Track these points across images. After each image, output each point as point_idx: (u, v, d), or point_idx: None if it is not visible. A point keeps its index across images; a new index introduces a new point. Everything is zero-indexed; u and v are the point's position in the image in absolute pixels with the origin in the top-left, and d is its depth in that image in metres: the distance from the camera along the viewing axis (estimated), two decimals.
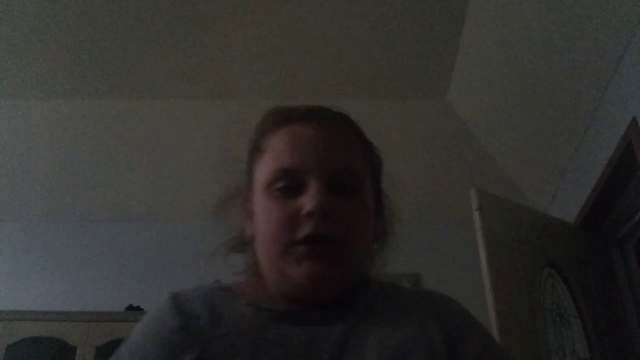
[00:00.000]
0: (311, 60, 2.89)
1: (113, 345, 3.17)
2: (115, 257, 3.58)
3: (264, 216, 0.74)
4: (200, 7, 2.60)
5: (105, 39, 2.76)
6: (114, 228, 3.69)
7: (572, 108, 2.54)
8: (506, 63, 2.66)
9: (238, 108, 3.18)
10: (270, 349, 0.66)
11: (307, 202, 0.69)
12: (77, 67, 2.91)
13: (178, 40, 2.77)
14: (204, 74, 2.97)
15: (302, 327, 0.69)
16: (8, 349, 2.95)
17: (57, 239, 3.66)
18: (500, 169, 3.24)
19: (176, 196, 3.62)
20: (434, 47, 2.80)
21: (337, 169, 0.73)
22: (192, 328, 0.68)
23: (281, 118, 0.79)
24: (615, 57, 2.17)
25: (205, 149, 3.39)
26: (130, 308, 3.22)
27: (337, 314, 0.71)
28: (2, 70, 2.92)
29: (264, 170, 0.75)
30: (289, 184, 0.72)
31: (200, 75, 2.98)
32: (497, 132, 3.09)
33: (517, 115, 2.86)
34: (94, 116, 3.21)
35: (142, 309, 3.19)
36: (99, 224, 3.70)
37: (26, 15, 2.63)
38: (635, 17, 2.00)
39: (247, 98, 3.12)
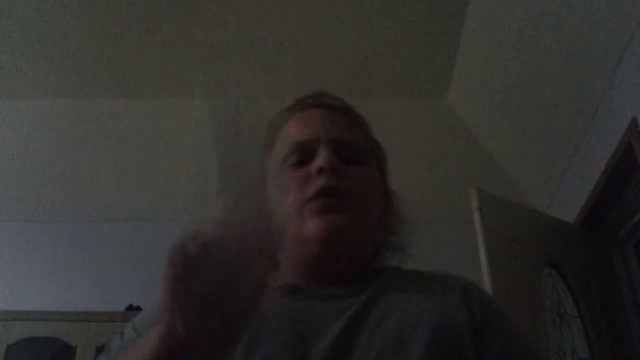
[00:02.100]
0: (311, 60, 2.89)
1: None
2: (115, 257, 3.58)
3: (279, 189, 0.77)
4: (200, 7, 2.60)
5: (105, 39, 2.76)
6: (114, 228, 3.69)
7: (572, 108, 2.54)
8: (506, 63, 2.66)
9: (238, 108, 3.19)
10: (277, 325, 0.66)
11: (317, 161, 0.75)
12: (77, 66, 2.91)
13: (178, 40, 2.77)
14: (204, 74, 2.97)
15: (315, 301, 0.69)
16: (8, 349, 2.95)
17: (57, 239, 3.66)
18: (500, 169, 3.24)
19: (176, 196, 3.62)
20: (434, 47, 2.80)
21: (343, 138, 0.79)
22: None
23: (288, 111, 0.84)
24: (615, 57, 2.17)
25: (205, 149, 3.39)
26: (130, 308, 3.22)
27: (352, 290, 0.71)
28: (1, 70, 2.91)
29: (276, 155, 0.80)
30: (300, 157, 0.77)
31: (200, 75, 2.98)
32: (497, 132, 3.09)
33: (517, 115, 2.86)
34: (93, 116, 3.21)
35: (142, 309, 3.19)
36: (98, 224, 3.70)
37: (25, 14, 2.62)
38: (635, 18, 2.00)
39: (247, 98, 3.12)
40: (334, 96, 0.85)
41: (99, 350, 2.95)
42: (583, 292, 2.32)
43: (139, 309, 3.20)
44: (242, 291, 0.48)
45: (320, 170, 0.74)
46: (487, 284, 1.97)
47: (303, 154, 0.77)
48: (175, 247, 0.48)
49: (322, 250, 0.72)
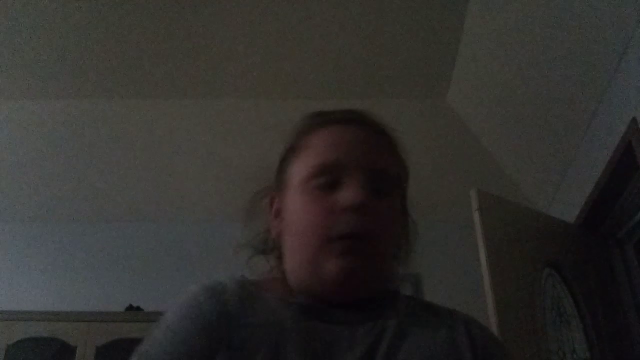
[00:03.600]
0: (311, 60, 2.89)
1: (113, 345, 3.16)
2: (115, 257, 3.59)
3: (299, 211, 0.74)
4: (200, 7, 2.60)
5: (105, 39, 2.76)
6: (114, 228, 3.69)
7: (572, 108, 2.54)
8: (506, 63, 2.66)
9: (238, 108, 3.19)
10: (296, 341, 0.66)
11: (347, 196, 0.71)
12: (76, 67, 2.91)
13: (178, 40, 2.76)
14: (204, 74, 2.97)
15: (330, 324, 0.69)
16: (8, 349, 2.95)
17: (57, 239, 3.66)
18: (500, 169, 3.24)
19: (176, 196, 3.62)
20: (434, 47, 2.80)
21: (375, 169, 0.75)
22: (228, 314, 0.68)
23: (321, 120, 0.80)
24: (615, 57, 2.17)
25: (204, 149, 3.39)
26: (130, 308, 3.22)
27: (363, 315, 0.71)
28: (1, 70, 2.92)
29: (300, 168, 0.76)
30: (327, 180, 0.73)
31: (200, 75, 2.98)
32: (497, 132, 3.09)
33: (517, 115, 2.86)
34: (93, 116, 3.21)
35: (142, 309, 3.19)
36: (98, 224, 3.71)
37: (25, 14, 2.62)
38: (635, 17, 2.00)
39: (247, 98, 3.12)
40: (370, 114, 0.82)
41: (99, 350, 2.95)
42: (583, 292, 2.32)
43: (139, 309, 3.20)
44: None
45: (348, 209, 0.70)
46: (487, 284, 1.97)
47: (329, 177, 0.73)
48: None
49: (337, 290, 0.71)
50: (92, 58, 2.86)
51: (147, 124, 3.26)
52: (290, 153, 0.80)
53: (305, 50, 2.84)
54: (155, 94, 3.10)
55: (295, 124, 0.83)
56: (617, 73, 2.20)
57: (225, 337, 0.66)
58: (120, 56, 2.86)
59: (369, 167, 0.74)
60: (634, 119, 2.06)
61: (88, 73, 2.95)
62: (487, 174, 3.17)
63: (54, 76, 2.97)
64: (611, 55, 2.18)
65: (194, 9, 2.61)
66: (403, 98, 3.08)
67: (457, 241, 3.22)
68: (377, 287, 0.75)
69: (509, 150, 3.14)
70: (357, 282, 0.71)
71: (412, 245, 0.84)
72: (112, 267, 3.53)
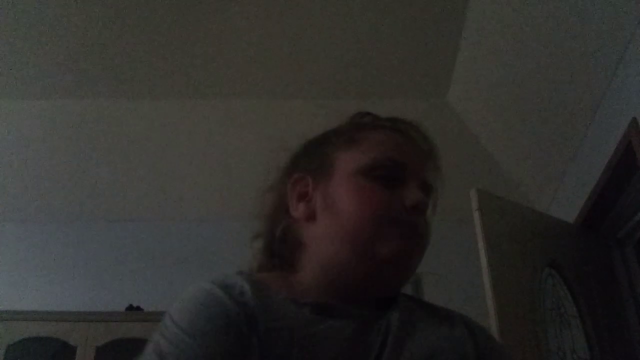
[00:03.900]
0: (311, 60, 2.89)
1: (113, 345, 3.16)
2: (115, 257, 3.58)
3: (356, 196, 0.75)
4: (200, 7, 2.60)
5: (106, 39, 2.76)
6: (114, 228, 3.69)
7: (572, 108, 2.54)
8: (506, 63, 2.66)
9: (238, 108, 3.19)
10: (323, 343, 0.65)
11: (415, 195, 0.75)
12: (77, 66, 2.91)
13: (178, 40, 2.77)
14: (204, 74, 2.97)
15: (344, 321, 0.69)
16: (8, 349, 2.95)
17: (57, 239, 3.66)
18: (500, 168, 3.24)
19: (176, 196, 3.62)
20: (434, 47, 2.80)
21: (430, 183, 0.81)
22: (248, 314, 0.66)
23: (384, 119, 0.84)
24: (615, 57, 2.17)
25: (204, 149, 3.39)
26: (130, 308, 3.22)
27: (377, 312, 0.72)
28: (2, 69, 2.91)
29: (359, 157, 0.77)
30: (390, 174, 0.76)
31: (201, 75, 2.98)
32: (497, 132, 3.09)
33: (517, 115, 2.86)
34: (93, 116, 3.21)
35: (142, 309, 3.19)
36: (99, 224, 3.70)
37: (26, 14, 2.62)
38: (635, 17, 1.99)
39: (247, 98, 3.12)
40: (429, 135, 0.86)
41: (99, 350, 2.95)
42: (583, 292, 2.32)
43: (139, 309, 3.20)
44: None
45: (413, 207, 0.74)
46: (487, 284, 1.97)
47: (393, 172, 0.76)
48: None
49: (386, 272, 0.73)
50: (92, 58, 2.86)
51: (146, 124, 3.26)
52: (339, 140, 0.80)
53: (305, 51, 2.84)
54: (156, 94, 3.10)
55: (348, 116, 0.86)
56: (617, 73, 2.20)
57: (253, 336, 0.64)
58: (120, 56, 2.86)
59: (427, 179, 0.80)
60: (634, 119, 2.06)
61: (88, 73, 2.95)
62: (487, 174, 3.17)
63: (53, 76, 2.97)
64: (611, 55, 2.18)
65: (195, 9, 2.61)
66: (403, 98, 3.07)
67: (457, 241, 3.22)
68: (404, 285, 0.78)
69: (509, 150, 3.14)
70: (407, 268, 0.74)
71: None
72: (112, 267, 3.52)
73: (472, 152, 3.22)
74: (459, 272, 3.09)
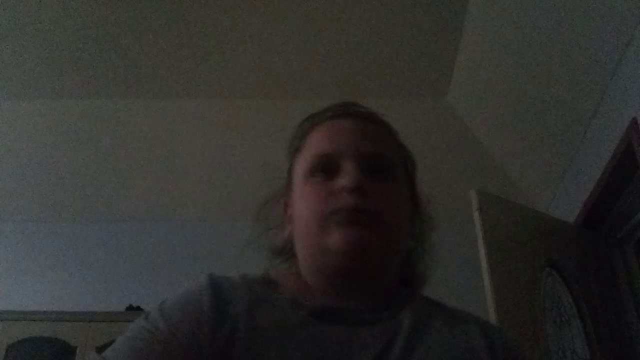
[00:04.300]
0: (311, 60, 2.89)
1: None
2: (115, 257, 3.59)
3: (303, 201, 0.76)
4: (200, 7, 2.60)
5: (106, 39, 2.76)
6: (114, 228, 3.69)
7: (572, 108, 2.54)
8: (506, 63, 2.66)
9: (238, 108, 3.19)
10: (304, 346, 0.66)
11: (342, 179, 0.73)
12: (77, 66, 2.91)
13: (179, 40, 2.77)
14: (205, 74, 2.97)
15: (341, 326, 0.69)
16: (8, 349, 2.95)
17: (57, 239, 3.66)
18: (500, 169, 3.24)
19: (176, 196, 3.62)
20: (434, 47, 2.80)
21: (370, 152, 0.76)
22: (227, 312, 0.68)
23: (317, 118, 0.82)
24: (615, 57, 2.17)
25: (205, 149, 3.39)
26: (130, 308, 3.22)
27: (378, 315, 0.71)
28: (2, 70, 2.92)
29: (301, 165, 0.79)
30: (326, 168, 0.75)
31: (201, 76, 2.98)
32: (497, 132, 3.09)
33: (517, 115, 2.86)
34: (94, 116, 3.22)
35: (142, 309, 3.19)
36: (99, 224, 3.71)
37: (27, 14, 2.62)
38: (635, 17, 1.99)
39: (247, 98, 3.12)
40: (363, 106, 0.83)
41: (99, 350, 2.94)
42: (583, 292, 2.32)
43: (139, 309, 3.20)
44: None
45: (345, 189, 0.72)
46: (487, 284, 1.97)
47: (328, 167, 0.75)
48: None
49: (345, 263, 0.71)
50: (92, 58, 2.86)
51: (147, 124, 3.26)
52: (293, 155, 0.83)
53: (306, 51, 2.84)
54: (156, 94, 3.10)
55: (294, 129, 0.85)
56: (617, 73, 2.20)
57: (220, 332, 0.65)
58: (121, 56, 2.86)
59: (364, 150, 0.76)
60: (634, 119, 2.06)
61: (89, 73, 2.95)
62: (487, 174, 3.17)
63: (55, 76, 2.97)
64: (611, 55, 2.18)
65: (195, 9, 2.61)
66: (403, 98, 3.08)
67: (457, 241, 3.22)
68: (389, 270, 0.76)
69: (509, 150, 3.14)
70: (362, 253, 0.71)
71: (427, 239, 0.85)
72: (112, 267, 3.53)
73: (472, 152, 3.22)
74: (459, 272, 3.09)
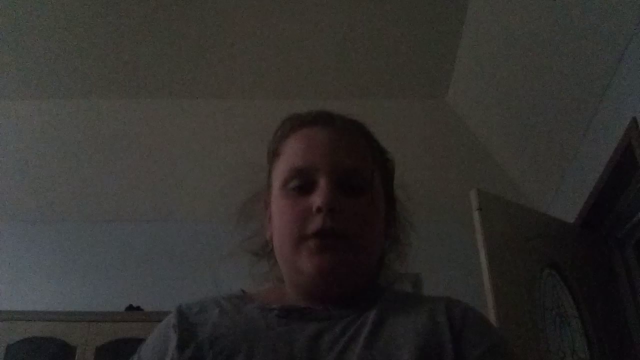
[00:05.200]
0: (311, 60, 2.89)
1: (113, 345, 3.16)
2: (115, 257, 3.58)
3: (278, 214, 0.77)
4: (201, 7, 2.60)
5: (106, 39, 2.76)
6: (114, 228, 3.69)
7: (572, 108, 2.54)
8: (506, 63, 2.66)
9: (238, 108, 3.19)
10: (273, 344, 0.68)
11: (317, 198, 0.73)
12: (77, 66, 2.91)
13: (179, 40, 2.76)
14: (205, 74, 2.97)
15: (309, 323, 0.71)
16: (8, 349, 2.95)
17: (57, 239, 3.66)
18: (500, 169, 3.24)
19: (176, 196, 3.62)
20: (434, 47, 2.80)
21: (346, 168, 0.77)
22: (196, 337, 0.71)
23: (295, 123, 0.83)
24: (615, 57, 2.17)
25: (205, 149, 3.39)
26: (130, 308, 3.22)
27: (344, 311, 0.73)
28: (1, 70, 2.91)
29: (278, 173, 0.80)
30: (301, 183, 0.76)
31: (201, 76, 2.98)
32: (497, 132, 3.09)
33: (517, 115, 2.86)
34: (93, 116, 3.21)
35: (142, 309, 3.19)
36: (99, 224, 3.70)
37: (26, 14, 2.62)
38: (635, 17, 2.00)
39: (247, 98, 3.12)
40: (339, 115, 0.84)
41: (99, 350, 2.95)
42: (583, 292, 2.32)
43: (139, 309, 3.20)
44: None
45: (319, 210, 0.73)
46: (487, 284, 1.97)
47: (303, 180, 0.76)
48: None
49: (317, 285, 0.74)
50: (91, 58, 2.86)
51: (146, 124, 3.26)
52: (272, 158, 0.83)
53: (305, 51, 2.84)
54: (156, 94, 3.10)
55: (274, 128, 0.85)
56: (617, 73, 2.20)
57: (182, 348, 0.69)
58: (120, 56, 2.86)
59: (339, 166, 0.76)
60: (634, 119, 2.06)
61: (88, 73, 2.95)
62: (487, 174, 3.17)
63: (54, 76, 2.97)
64: (611, 55, 2.18)
65: (195, 9, 2.61)
66: (403, 98, 3.08)
67: (457, 241, 3.22)
68: (361, 281, 0.77)
69: (509, 150, 3.14)
70: (334, 278, 0.73)
71: (404, 240, 0.85)
72: (112, 267, 3.52)
73: (472, 152, 3.22)
74: (459, 272, 3.09)
